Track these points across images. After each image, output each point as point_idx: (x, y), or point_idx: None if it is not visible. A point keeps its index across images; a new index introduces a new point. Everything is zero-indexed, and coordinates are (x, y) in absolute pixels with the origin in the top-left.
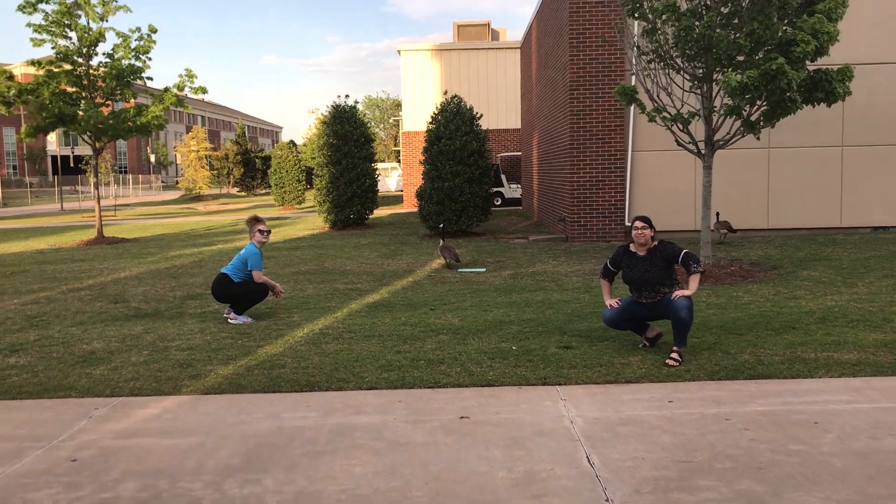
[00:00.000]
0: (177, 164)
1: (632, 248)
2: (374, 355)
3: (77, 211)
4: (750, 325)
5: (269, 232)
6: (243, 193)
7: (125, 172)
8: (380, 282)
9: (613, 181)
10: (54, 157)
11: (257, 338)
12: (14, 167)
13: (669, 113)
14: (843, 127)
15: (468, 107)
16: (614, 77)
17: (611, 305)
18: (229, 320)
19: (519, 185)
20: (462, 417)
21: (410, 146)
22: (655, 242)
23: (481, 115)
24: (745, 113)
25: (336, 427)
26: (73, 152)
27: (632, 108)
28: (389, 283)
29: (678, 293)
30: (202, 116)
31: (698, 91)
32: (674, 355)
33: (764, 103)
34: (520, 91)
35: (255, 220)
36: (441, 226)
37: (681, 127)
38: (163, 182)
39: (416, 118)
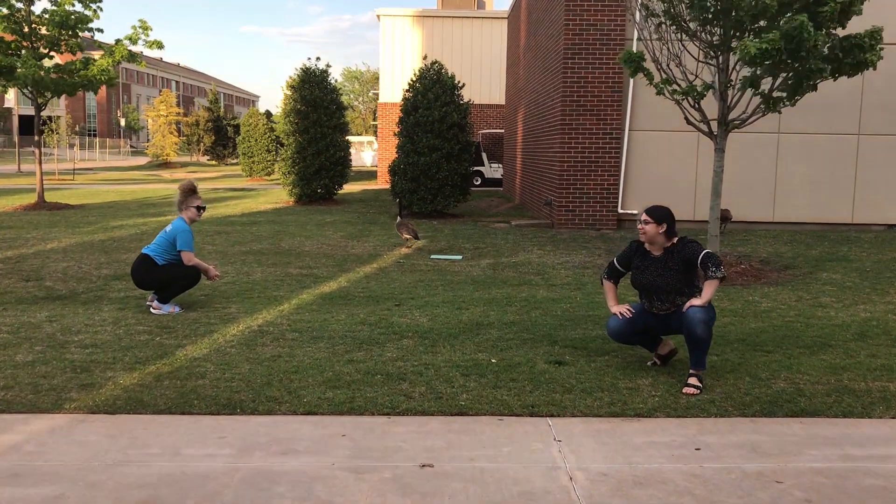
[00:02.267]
0: (148, 130)
1: (647, 245)
2: (320, 365)
3: (33, 174)
4: (777, 339)
5: (204, 209)
6: (213, 162)
7: (94, 135)
8: (340, 267)
9: (607, 163)
10: (22, 117)
11: (180, 334)
12: None
13: (680, 85)
14: (861, 114)
15: (449, 74)
16: (613, 46)
17: (620, 314)
18: (152, 310)
19: (500, 165)
20: (424, 466)
21: (387, 118)
22: (675, 240)
23: (463, 85)
24: (764, 87)
25: (252, 475)
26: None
27: (631, 81)
28: (351, 270)
29: (689, 303)
30: (176, 81)
31: (712, 61)
32: (692, 380)
33: (787, 75)
34: (505, 64)
35: (191, 191)
36: (398, 200)
37: (693, 102)
38: (132, 147)
39: (394, 89)
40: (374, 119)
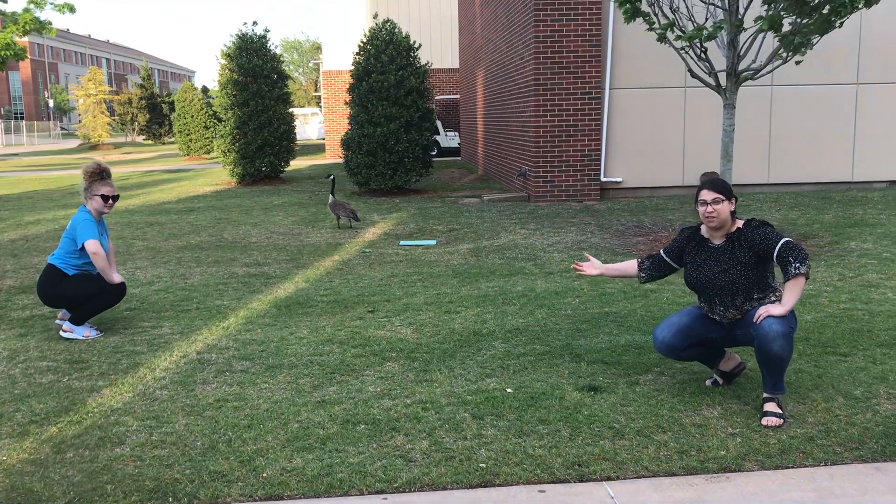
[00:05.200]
0: (78, 111)
1: (703, 230)
2: (281, 412)
3: None
4: (846, 336)
5: (115, 199)
6: (150, 142)
7: (20, 118)
8: (295, 262)
9: (587, 125)
10: None
11: (95, 371)
12: None
13: (684, 30)
14: (859, 61)
15: (404, 35)
16: None
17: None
18: (62, 333)
19: (456, 133)
20: None
21: (333, 87)
22: (739, 223)
23: (420, 46)
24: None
25: None
26: None
27: (610, 33)
28: (308, 265)
29: (764, 311)
30: (107, 59)
31: (717, 1)
32: (770, 407)
33: (817, 11)
34: (457, 25)
35: (97, 175)
36: (330, 176)
37: (699, 49)
38: (63, 129)
39: (340, 56)
40: (318, 90)
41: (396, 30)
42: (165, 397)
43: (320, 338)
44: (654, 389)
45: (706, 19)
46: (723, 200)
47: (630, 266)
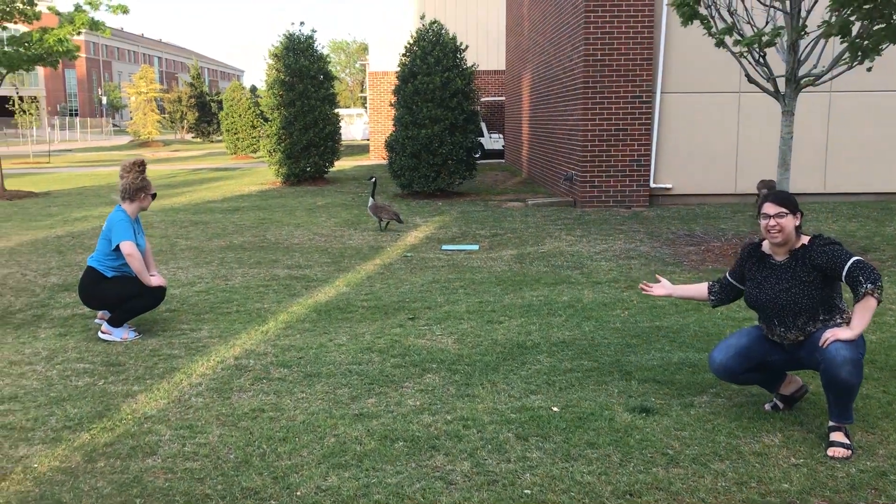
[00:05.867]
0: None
1: (765, 246)
2: (317, 425)
3: (6, 156)
4: None
5: (154, 196)
6: (198, 140)
7: (75, 115)
8: (337, 265)
9: (637, 130)
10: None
11: (130, 375)
12: None
13: (742, 35)
14: None
15: (450, 36)
16: None
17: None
18: (100, 334)
19: (500, 135)
20: None
21: (378, 88)
22: (805, 239)
23: (467, 47)
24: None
25: None
26: (17, 92)
27: (663, 36)
28: (350, 268)
29: (831, 335)
30: (158, 57)
31: (778, 5)
32: (837, 436)
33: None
34: (504, 27)
35: (139, 168)
36: (372, 178)
37: (758, 55)
38: (115, 126)
39: (387, 57)
40: (363, 90)
41: (443, 31)
42: (200, 405)
43: (359, 345)
44: (709, 413)
45: (766, 23)
46: (787, 214)
47: (699, 289)
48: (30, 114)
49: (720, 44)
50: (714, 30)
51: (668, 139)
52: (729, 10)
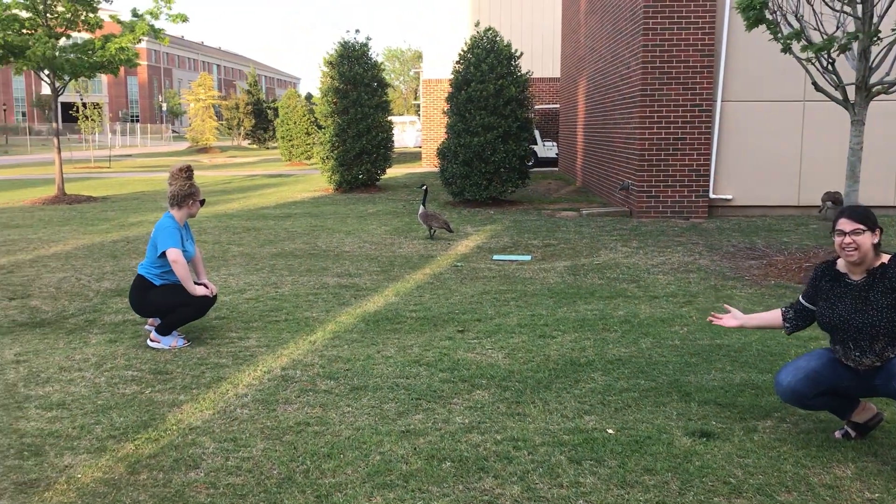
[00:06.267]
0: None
1: (839, 265)
2: (363, 441)
3: (69, 161)
4: None
5: (203, 203)
6: (254, 146)
7: (136, 121)
8: (386, 274)
9: (696, 139)
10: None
11: (178, 384)
12: (23, 114)
13: (810, 41)
14: None
15: (505, 42)
16: (703, 1)
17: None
18: (149, 342)
19: (554, 143)
20: None
21: (432, 96)
22: (885, 258)
23: (522, 54)
24: None
25: None
26: (82, 98)
27: (724, 43)
28: (399, 278)
29: None
30: (217, 65)
31: (849, 10)
32: None
33: None
34: (559, 33)
35: (186, 175)
36: (423, 186)
37: (827, 62)
38: (174, 132)
39: (439, 64)
40: (416, 98)
41: (498, 38)
42: (245, 417)
43: (408, 358)
44: (774, 439)
45: (836, 28)
46: (864, 231)
47: (773, 317)
48: (92, 120)
49: (786, 49)
50: (780, 35)
51: (729, 148)
52: (796, 16)
